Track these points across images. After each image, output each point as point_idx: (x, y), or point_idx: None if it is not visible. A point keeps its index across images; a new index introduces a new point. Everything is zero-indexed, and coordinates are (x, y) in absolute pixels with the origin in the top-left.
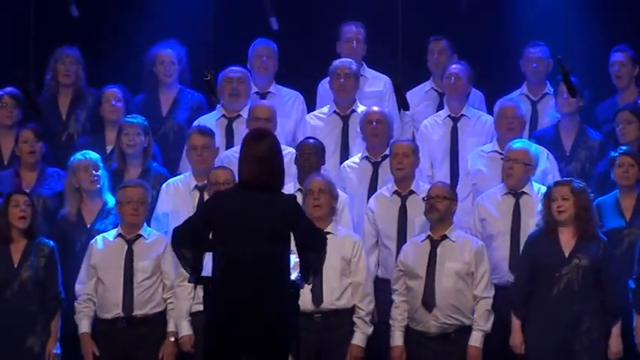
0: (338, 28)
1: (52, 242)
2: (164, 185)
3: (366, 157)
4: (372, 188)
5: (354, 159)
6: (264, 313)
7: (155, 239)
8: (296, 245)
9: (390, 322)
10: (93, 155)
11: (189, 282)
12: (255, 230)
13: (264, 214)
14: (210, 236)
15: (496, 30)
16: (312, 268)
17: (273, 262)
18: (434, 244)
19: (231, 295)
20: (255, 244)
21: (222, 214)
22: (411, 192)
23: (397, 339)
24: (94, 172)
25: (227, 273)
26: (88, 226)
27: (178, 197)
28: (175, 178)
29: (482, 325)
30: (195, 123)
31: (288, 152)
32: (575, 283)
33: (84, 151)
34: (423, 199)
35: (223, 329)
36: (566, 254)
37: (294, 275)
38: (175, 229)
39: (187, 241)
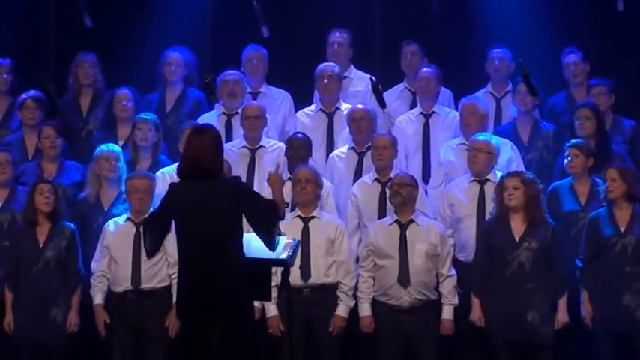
0: (322, 35)
1: (73, 225)
2: (158, 173)
3: (353, 148)
4: (358, 175)
5: (342, 149)
6: (219, 285)
7: None
8: (248, 221)
9: (359, 294)
10: (116, 148)
11: (147, 257)
12: (207, 212)
13: (213, 197)
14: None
15: (464, 34)
16: (272, 234)
17: (224, 240)
18: (402, 227)
19: (191, 272)
20: (207, 225)
21: (178, 203)
22: (390, 179)
23: (366, 310)
24: (114, 162)
25: (187, 253)
26: (106, 209)
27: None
28: (168, 168)
29: (451, 299)
30: (199, 120)
31: (278, 146)
32: (526, 264)
33: (108, 144)
34: (388, 186)
35: (189, 302)
36: (517, 238)
37: (284, 254)
38: (146, 218)
39: (154, 228)
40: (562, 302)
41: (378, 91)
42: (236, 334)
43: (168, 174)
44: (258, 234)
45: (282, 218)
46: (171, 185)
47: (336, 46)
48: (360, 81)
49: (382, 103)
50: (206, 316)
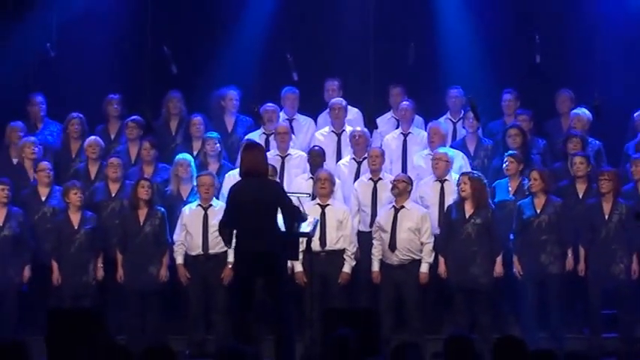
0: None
1: (163, 209)
2: (227, 174)
3: (353, 158)
4: (356, 177)
5: (346, 159)
6: (266, 254)
7: (221, 207)
8: (282, 214)
9: (372, 256)
10: (188, 157)
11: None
12: (257, 203)
13: (261, 192)
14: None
15: (432, 77)
16: (296, 223)
17: (268, 222)
18: (396, 210)
19: (246, 242)
20: (257, 211)
21: (238, 197)
22: (380, 179)
23: (375, 266)
24: (187, 167)
25: (243, 231)
26: (184, 199)
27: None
28: (234, 171)
29: (427, 259)
30: (246, 137)
31: (300, 155)
32: (473, 234)
33: (183, 154)
34: (391, 182)
35: (244, 264)
36: (467, 217)
37: (308, 229)
38: (220, 221)
39: (224, 227)
40: (498, 259)
41: (370, 119)
42: (277, 284)
43: (233, 175)
44: (284, 223)
45: (305, 219)
46: (233, 186)
47: (330, 90)
48: (349, 112)
49: (375, 126)
50: (256, 272)
